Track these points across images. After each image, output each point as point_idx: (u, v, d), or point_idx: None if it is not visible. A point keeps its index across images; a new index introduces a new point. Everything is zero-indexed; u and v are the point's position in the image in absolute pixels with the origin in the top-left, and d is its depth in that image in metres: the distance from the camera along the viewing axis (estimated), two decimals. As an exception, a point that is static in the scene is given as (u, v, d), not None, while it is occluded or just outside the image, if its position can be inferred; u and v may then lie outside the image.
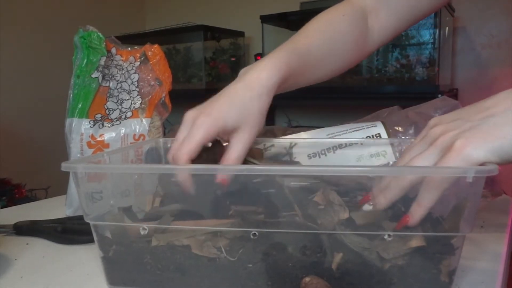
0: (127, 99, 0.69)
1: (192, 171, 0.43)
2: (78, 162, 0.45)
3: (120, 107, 0.68)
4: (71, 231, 0.57)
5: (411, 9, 0.61)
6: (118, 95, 0.69)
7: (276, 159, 0.58)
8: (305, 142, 0.58)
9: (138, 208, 0.49)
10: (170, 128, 0.73)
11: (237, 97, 0.47)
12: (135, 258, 0.43)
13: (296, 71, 0.52)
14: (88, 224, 0.43)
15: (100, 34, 0.69)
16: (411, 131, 0.53)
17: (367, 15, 0.61)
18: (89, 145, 0.66)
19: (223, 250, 0.41)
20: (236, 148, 0.47)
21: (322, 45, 0.56)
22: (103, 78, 0.69)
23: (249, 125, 0.47)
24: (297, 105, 2.26)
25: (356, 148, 0.56)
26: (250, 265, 0.40)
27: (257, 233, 0.40)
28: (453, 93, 1.94)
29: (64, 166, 0.42)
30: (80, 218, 0.44)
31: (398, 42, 1.91)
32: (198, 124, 0.45)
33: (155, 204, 0.49)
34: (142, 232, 0.42)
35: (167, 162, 0.49)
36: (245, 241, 0.41)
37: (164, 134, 0.69)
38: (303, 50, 0.53)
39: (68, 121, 0.68)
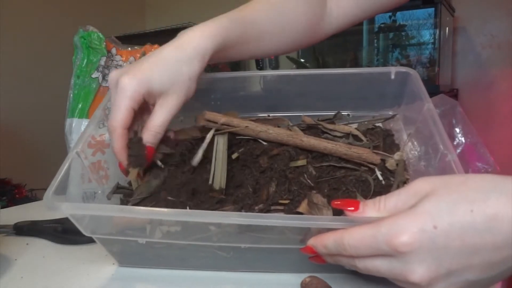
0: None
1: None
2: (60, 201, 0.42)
3: (120, 107, 0.68)
4: (71, 231, 0.57)
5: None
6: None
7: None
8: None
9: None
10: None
11: (165, 59, 0.45)
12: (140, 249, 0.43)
13: (237, 41, 0.50)
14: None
15: (100, 34, 0.69)
16: (411, 130, 0.53)
17: None
18: (89, 145, 0.65)
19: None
20: (160, 113, 0.45)
21: (269, 18, 0.53)
22: (103, 78, 0.69)
23: (176, 89, 0.45)
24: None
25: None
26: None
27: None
28: (454, 93, 1.94)
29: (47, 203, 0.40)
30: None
31: (399, 42, 1.91)
32: (123, 87, 0.43)
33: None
34: (140, 242, 0.42)
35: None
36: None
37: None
38: (247, 19, 0.51)
39: (68, 121, 0.68)
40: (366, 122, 0.55)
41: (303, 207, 0.42)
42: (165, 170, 0.49)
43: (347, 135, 0.52)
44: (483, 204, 0.29)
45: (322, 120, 0.55)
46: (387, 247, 0.31)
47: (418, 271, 0.30)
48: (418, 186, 0.33)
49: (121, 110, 0.43)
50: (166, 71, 0.45)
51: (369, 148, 0.50)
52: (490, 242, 0.29)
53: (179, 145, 0.50)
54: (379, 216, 0.33)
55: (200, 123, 0.52)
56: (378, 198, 0.35)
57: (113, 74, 0.45)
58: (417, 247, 0.30)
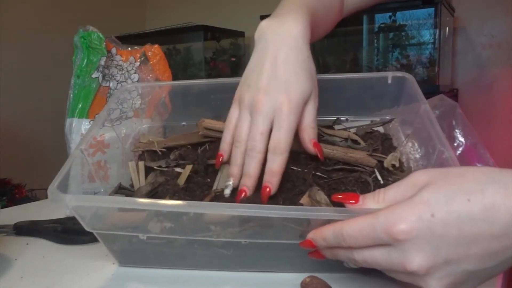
0: (127, 99, 0.69)
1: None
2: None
3: (120, 107, 0.68)
4: (71, 231, 0.57)
5: None
6: (118, 95, 0.69)
7: None
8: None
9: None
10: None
11: (299, 63, 0.43)
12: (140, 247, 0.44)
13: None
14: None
15: (100, 34, 0.69)
16: (409, 132, 0.54)
17: None
18: (89, 145, 0.65)
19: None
20: (311, 109, 0.44)
21: (322, 7, 0.53)
22: (103, 78, 0.69)
23: (315, 90, 0.44)
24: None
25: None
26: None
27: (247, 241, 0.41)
28: (454, 93, 1.94)
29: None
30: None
31: (398, 42, 1.91)
32: (286, 110, 0.41)
33: (140, 173, 0.50)
34: (141, 237, 0.42)
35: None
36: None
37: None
38: (312, 10, 0.50)
39: (68, 121, 0.68)
40: (364, 127, 0.55)
41: (305, 199, 0.42)
42: (166, 172, 0.49)
43: (346, 139, 0.52)
44: (481, 194, 0.30)
45: (322, 126, 0.56)
46: (385, 235, 0.31)
47: (415, 260, 0.30)
48: (417, 177, 0.33)
49: (291, 133, 0.42)
50: (308, 75, 0.43)
51: (367, 151, 0.50)
52: (487, 231, 0.29)
53: (180, 149, 0.51)
54: (378, 208, 0.34)
55: (200, 133, 0.53)
56: (377, 190, 0.36)
57: (261, 99, 0.42)
58: (415, 235, 0.30)
